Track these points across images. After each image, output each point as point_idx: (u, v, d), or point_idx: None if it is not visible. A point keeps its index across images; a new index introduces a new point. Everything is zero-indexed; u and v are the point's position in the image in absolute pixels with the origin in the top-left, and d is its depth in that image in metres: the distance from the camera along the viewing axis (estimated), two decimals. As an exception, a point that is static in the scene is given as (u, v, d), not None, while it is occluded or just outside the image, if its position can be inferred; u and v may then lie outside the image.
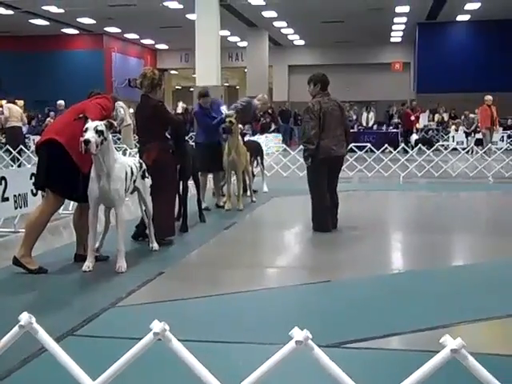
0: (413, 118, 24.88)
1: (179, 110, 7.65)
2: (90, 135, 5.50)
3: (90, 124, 5.59)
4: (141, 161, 6.73)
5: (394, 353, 3.99)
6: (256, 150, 11.44)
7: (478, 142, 23.23)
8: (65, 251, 6.46)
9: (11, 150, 14.08)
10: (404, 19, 29.35)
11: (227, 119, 9.57)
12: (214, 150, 9.68)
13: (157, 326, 1.89)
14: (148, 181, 6.74)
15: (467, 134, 24.85)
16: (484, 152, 17.37)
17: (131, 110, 8.75)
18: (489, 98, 21.17)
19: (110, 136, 5.84)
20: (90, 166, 5.81)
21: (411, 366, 1.92)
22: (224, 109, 10.37)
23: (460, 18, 29.46)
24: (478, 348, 3.48)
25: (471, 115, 25.47)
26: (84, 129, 5.56)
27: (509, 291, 5.34)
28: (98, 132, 5.56)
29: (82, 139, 5.48)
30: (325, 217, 7.93)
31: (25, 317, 1.93)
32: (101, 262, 6.16)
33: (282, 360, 1.85)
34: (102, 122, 5.66)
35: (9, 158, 13.60)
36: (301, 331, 1.84)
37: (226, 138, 9.88)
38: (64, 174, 5.90)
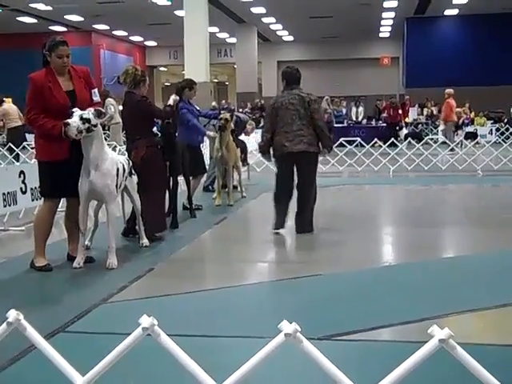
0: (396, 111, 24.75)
1: (170, 102, 7.56)
2: (71, 120, 5.52)
3: (77, 111, 5.60)
4: (128, 158, 6.72)
5: (383, 344, 4.02)
6: (244, 149, 11.80)
7: (469, 136, 23.34)
8: (55, 248, 6.44)
9: (15, 148, 14.07)
10: (392, 14, 29.40)
11: (222, 116, 9.60)
12: (194, 153, 9.20)
13: (145, 320, 1.89)
14: (135, 178, 6.73)
15: (456, 127, 24.88)
16: (457, 145, 17.40)
17: (121, 108, 8.72)
18: (450, 91, 21.19)
19: (100, 127, 5.83)
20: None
21: (400, 357, 1.92)
22: (197, 107, 10.09)
23: (448, 12, 29.54)
24: (467, 338, 3.50)
25: (458, 109, 25.54)
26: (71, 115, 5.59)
27: (497, 282, 5.38)
28: (83, 119, 5.55)
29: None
30: (277, 214, 7.54)
31: (13, 314, 1.93)
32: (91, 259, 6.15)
33: (271, 353, 1.86)
34: (89, 110, 5.65)
35: (11, 156, 13.59)
36: (290, 324, 1.85)
37: (213, 136, 9.82)
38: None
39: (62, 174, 5.79)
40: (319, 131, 7.37)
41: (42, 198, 6.14)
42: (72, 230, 6.15)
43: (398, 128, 24.30)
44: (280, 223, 7.55)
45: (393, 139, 17.54)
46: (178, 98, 7.80)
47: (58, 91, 5.74)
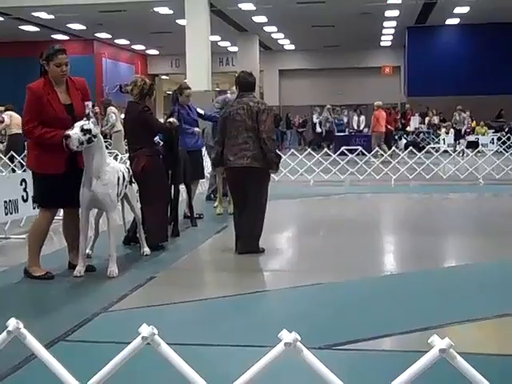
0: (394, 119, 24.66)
1: (171, 120, 7.56)
2: (72, 131, 5.51)
3: (78, 122, 5.61)
4: (128, 166, 6.73)
5: (383, 354, 4.00)
6: None
7: (470, 145, 23.35)
8: (56, 257, 6.45)
9: (16, 156, 14.09)
10: (393, 23, 29.44)
11: None
12: (193, 158, 9.14)
13: (145, 330, 1.89)
14: (135, 186, 6.74)
15: (458, 136, 24.84)
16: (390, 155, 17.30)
17: (122, 116, 8.74)
18: (378, 103, 21.78)
19: (101, 137, 5.84)
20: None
21: (401, 367, 1.93)
22: (199, 110, 10.09)
23: (449, 21, 29.58)
24: (467, 348, 3.49)
25: (463, 114, 25.52)
26: (71, 127, 5.59)
27: (497, 292, 5.36)
28: (84, 130, 5.56)
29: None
30: (236, 234, 7.02)
31: (12, 322, 1.93)
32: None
33: (271, 362, 1.86)
34: (89, 121, 5.66)
35: (13, 164, 13.61)
36: (289, 333, 1.85)
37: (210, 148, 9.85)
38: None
39: (58, 185, 5.76)
40: (263, 144, 6.63)
41: (39, 208, 6.09)
42: (72, 239, 6.15)
43: (396, 137, 24.07)
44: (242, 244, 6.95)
45: (377, 148, 17.26)
46: (177, 122, 7.72)
47: (57, 104, 5.71)
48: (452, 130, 25.81)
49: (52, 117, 5.66)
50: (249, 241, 6.89)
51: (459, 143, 24.21)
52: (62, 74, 5.78)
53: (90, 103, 6.05)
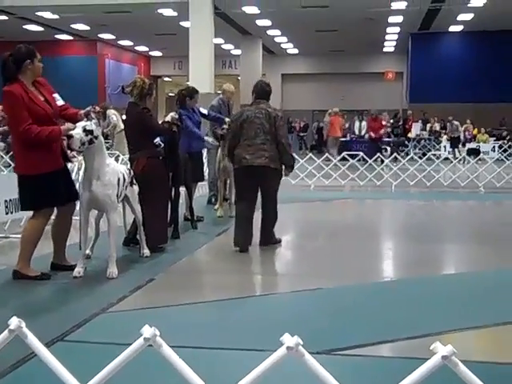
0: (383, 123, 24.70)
1: (168, 119, 7.60)
2: (75, 131, 5.53)
3: (80, 123, 5.62)
4: (129, 168, 6.72)
5: (384, 360, 3.99)
6: None
7: (471, 152, 23.36)
8: (45, 259, 6.41)
9: None
10: (397, 29, 29.48)
11: (225, 127, 9.59)
12: (193, 160, 9.20)
13: (147, 331, 1.88)
14: (136, 187, 6.74)
15: (453, 143, 24.91)
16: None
17: (124, 117, 8.73)
18: (335, 109, 23.90)
19: (101, 137, 5.84)
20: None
21: (402, 373, 1.92)
22: (203, 110, 10.13)
23: (453, 28, 29.60)
24: (468, 356, 3.48)
25: (455, 122, 25.67)
26: (73, 127, 5.59)
27: (498, 300, 5.36)
28: (86, 131, 5.57)
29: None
30: (238, 229, 7.38)
31: (14, 321, 1.92)
32: (91, 268, 6.14)
33: (272, 366, 1.85)
34: (91, 122, 5.66)
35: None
36: (291, 337, 1.84)
37: (212, 145, 9.90)
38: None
39: (52, 184, 5.75)
40: (281, 148, 7.26)
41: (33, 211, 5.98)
42: (60, 239, 6.11)
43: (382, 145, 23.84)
44: (240, 240, 7.31)
45: (362, 154, 17.00)
46: (176, 116, 7.75)
47: (40, 102, 5.69)
48: (445, 137, 25.96)
49: (42, 114, 5.63)
50: (269, 234, 7.57)
51: (459, 151, 24.23)
52: (40, 71, 5.77)
53: (56, 94, 6.00)
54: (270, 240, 7.59)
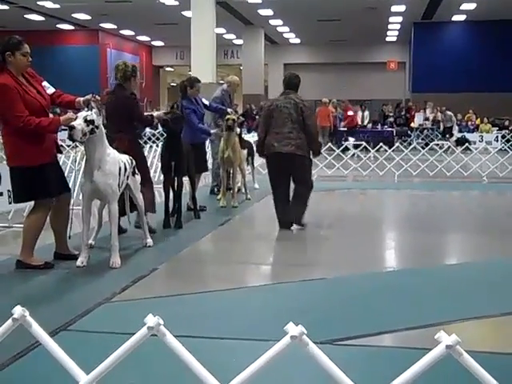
0: (351, 112, 24.78)
1: (154, 114, 7.72)
2: (76, 122, 5.52)
3: (81, 113, 5.62)
4: (131, 158, 6.70)
5: (388, 350, 4.00)
6: (250, 149, 11.45)
7: (459, 142, 23.34)
8: (48, 248, 6.41)
9: None
10: (400, 18, 29.35)
11: (229, 117, 9.57)
12: (197, 151, 9.12)
13: (151, 320, 1.88)
14: (138, 177, 6.73)
15: (445, 133, 24.95)
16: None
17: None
18: (325, 100, 23.83)
19: (102, 127, 5.83)
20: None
21: (406, 363, 1.91)
22: (205, 101, 10.10)
23: (456, 18, 29.48)
24: (471, 346, 3.48)
25: (448, 112, 25.62)
26: (75, 117, 5.58)
27: (501, 290, 5.36)
28: (87, 121, 5.56)
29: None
30: (280, 210, 7.90)
31: (18, 310, 1.92)
32: (95, 258, 6.14)
33: (276, 355, 1.85)
34: (92, 112, 5.64)
35: None
36: (296, 326, 1.83)
37: (215, 135, 9.88)
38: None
39: (50, 174, 5.75)
40: (310, 136, 7.72)
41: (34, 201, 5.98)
42: (61, 228, 6.12)
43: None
44: (284, 222, 7.86)
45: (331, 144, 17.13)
46: (165, 117, 7.79)
47: (34, 93, 5.66)
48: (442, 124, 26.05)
49: (37, 106, 5.61)
50: (299, 216, 7.81)
51: (448, 141, 24.22)
52: (27, 64, 5.68)
53: (45, 82, 5.97)
54: (297, 220, 7.84)
